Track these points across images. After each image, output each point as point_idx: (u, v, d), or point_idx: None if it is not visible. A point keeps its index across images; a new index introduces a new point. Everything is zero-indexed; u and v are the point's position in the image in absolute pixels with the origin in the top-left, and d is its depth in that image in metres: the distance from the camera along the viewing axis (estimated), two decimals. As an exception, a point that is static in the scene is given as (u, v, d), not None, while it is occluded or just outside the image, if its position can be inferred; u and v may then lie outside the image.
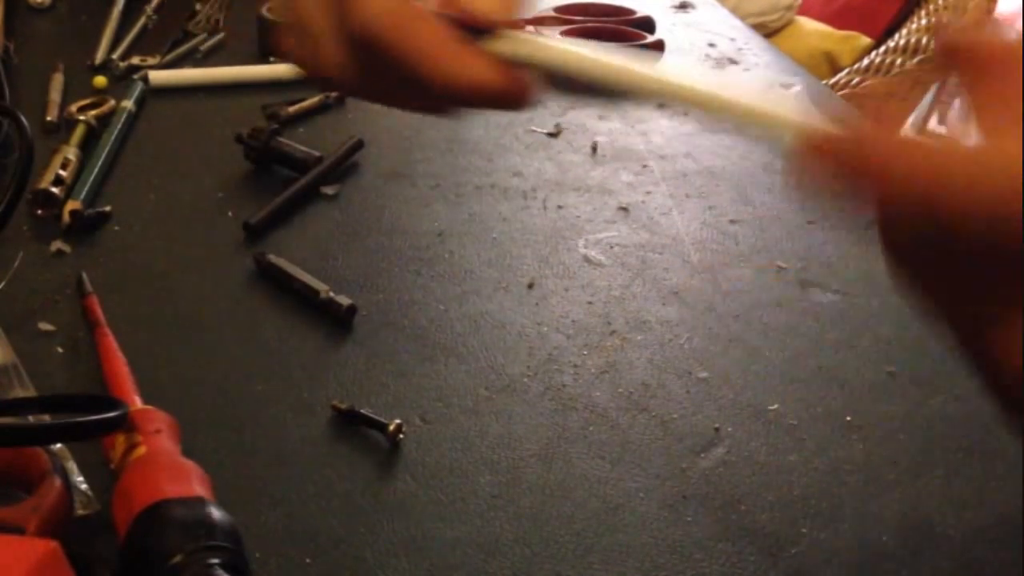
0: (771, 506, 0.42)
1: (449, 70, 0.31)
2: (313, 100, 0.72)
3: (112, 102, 0.69)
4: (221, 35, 0.83)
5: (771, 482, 0.43)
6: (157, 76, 0.73)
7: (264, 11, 0.80)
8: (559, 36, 0.34)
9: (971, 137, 0.24)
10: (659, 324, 0.52)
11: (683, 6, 0.99)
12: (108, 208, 0.58)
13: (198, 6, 0.88)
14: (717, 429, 0.46)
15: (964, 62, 0.26)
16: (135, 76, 0.74)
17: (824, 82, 1.16)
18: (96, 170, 0.61)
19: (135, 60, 0.77)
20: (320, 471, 0.42)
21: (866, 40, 1.59)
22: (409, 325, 0.51)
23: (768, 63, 0.87)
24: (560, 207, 0.62)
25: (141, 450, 0.38)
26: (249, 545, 0.35)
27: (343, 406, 0.45)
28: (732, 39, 0.92)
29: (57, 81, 0.71)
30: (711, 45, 0.90)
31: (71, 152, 0.61)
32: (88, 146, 0.64)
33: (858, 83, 1.29)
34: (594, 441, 0.45)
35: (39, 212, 0.57)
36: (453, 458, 0.43)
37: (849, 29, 1.63)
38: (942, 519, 0.42)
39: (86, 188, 0.59)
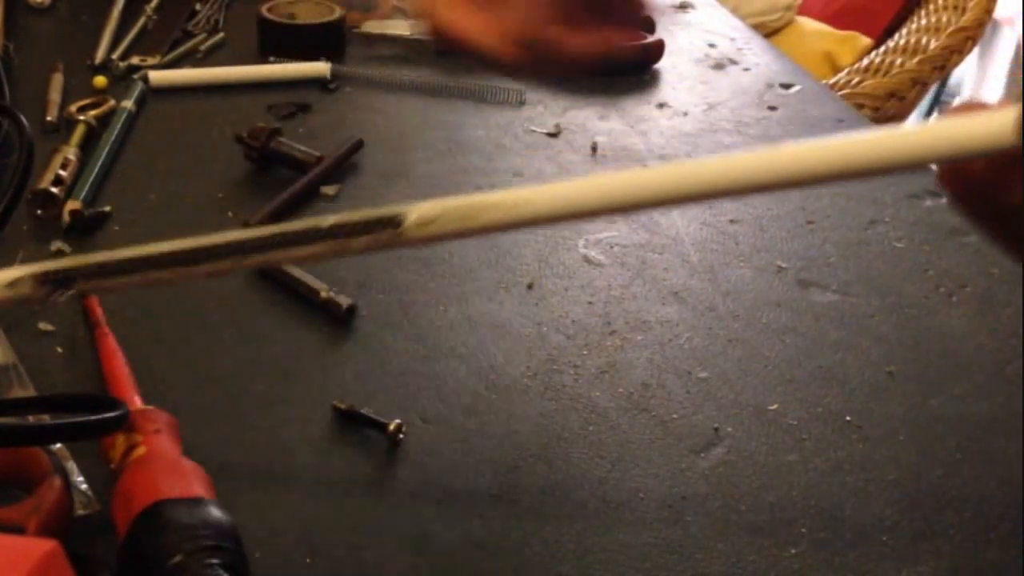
0: (771, 506, 0.42)
1: None
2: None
3: (112, 102, 0.69)
4: (221, 35, 0.83)
5: (771, 482, 0.43)
6: (157, 76, 0.74)
7: (264, 11, 0.80)
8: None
9: None
10: (659, 324, 0.52)
11: (683, 6, 1.00)
12: (108, 208, 0.58)
13: (198, 6, 0.88)
14: (717, 429, 0.46)
15: None
16: (135, 76, 0.74)
17: (824, 82, 1.16)
18: (96, 170, 0.61)
19: (135, 60, 0.77)
20: (320, 471, 0.42)
21: (866, 40, 1.59)
22: (409, 325, 0.51)
23: (768, 63, 0.87)
24: (560, 207, 0.62)
25: (141, 450, 0.38)
26: (249, 545, 0.35)
27: (343, 406, 0.45)
28: (732, 39, 0.92)
29: (57, 81, 0.71)
30: (711, 45, 0.90)
31: (71, 152, 0.61)
32: (88, 146, 0.64)
33: (858, 83, 1.29)
34: (594, 441, 0.45)
35: (39, 212, 0.57)
36: (453, 458, 0.43)
37: (849, 29, 1.63)
38: (942, 519, 0.42)
39: (86, 188, 0.59)
